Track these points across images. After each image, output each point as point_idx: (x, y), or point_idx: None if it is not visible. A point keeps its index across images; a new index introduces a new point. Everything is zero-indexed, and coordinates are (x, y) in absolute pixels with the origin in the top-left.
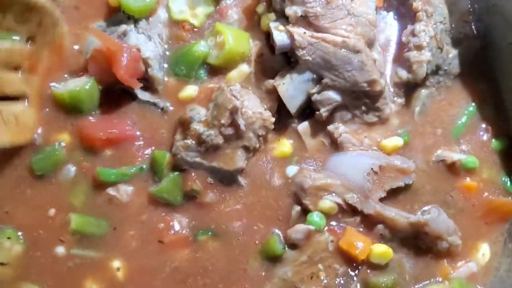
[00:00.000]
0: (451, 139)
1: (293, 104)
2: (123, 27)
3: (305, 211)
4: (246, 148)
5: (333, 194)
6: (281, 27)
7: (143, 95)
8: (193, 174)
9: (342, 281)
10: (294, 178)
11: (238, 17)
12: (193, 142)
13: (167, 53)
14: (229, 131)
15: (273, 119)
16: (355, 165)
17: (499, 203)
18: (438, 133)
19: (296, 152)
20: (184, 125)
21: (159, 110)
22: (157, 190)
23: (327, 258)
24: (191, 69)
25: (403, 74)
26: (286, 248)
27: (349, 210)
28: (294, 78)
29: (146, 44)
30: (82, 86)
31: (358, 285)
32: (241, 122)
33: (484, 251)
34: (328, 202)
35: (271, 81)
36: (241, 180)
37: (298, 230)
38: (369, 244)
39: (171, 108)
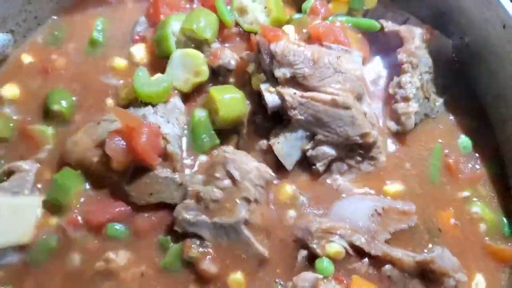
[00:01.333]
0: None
1: (289, 162)
2: (142, 110)
3: (311, 257)
4: (246, 199)
5: (340, 237)
6: (272, 89)
7: (162, 172)
8: (189, 240)
9: None
10: (299, 223)
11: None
12: (192, 201)
13: (185, 138)
14: (226, 183)
15: (269, 169)
16: (359, 208)
17: (497, 249)
18: None
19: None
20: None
21: (179, 185)
22: (163, 263)
23: None
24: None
25: (392, 125)
26: None
27: (355, 255)
28: (288, 137)
29: (165, 125)
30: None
31: None
32: (236, 174)
33: (478, 281)
34: (335, 246)
35: (265, 142)
36: (246, 232)
37: (306, 278)
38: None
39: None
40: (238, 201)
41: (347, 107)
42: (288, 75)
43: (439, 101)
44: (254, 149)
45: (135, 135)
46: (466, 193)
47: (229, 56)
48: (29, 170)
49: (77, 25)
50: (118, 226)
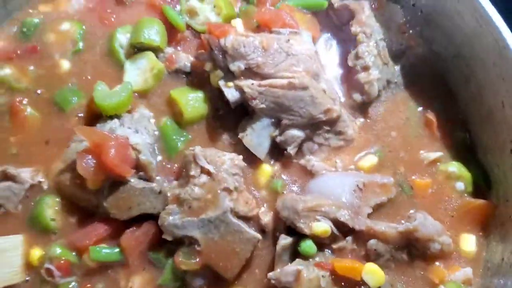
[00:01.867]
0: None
1: (261, 151)
2: (108, 125)
3: (293, 245)
4: (226, 190)
5: (325, 215)
6: (230, 83)
7: (138, 183)
8: (177, 255)
9: None
10: (284, 203)
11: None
12: (174, 205)
13: (156, 145)
14: (203, 179)
15: (241, 157)
16: (340, 184)
17: (477, 205)
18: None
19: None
20: None
21: (157, 193)
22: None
23: None
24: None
25: (357, 96)
26: None
27: (339, 235)
28: (255, 127)
29: (134, 135)
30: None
31: None
32: (210, 167)
33: (469, 241)
34: (322, 224)
35: (232, 136)
36: (235, 220)
37: (288, 272)
38: (361, 265)
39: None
40: (219, 192)
41: (304, 88)
42: (243, 67)
43: (399, 65)
44: (223, 144)
45: (103, 151)
46: (439, 153)
47: (184, 58)
48: (25, 183)
49: None
50: (107, 249)
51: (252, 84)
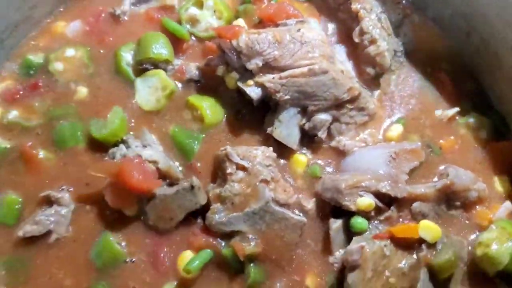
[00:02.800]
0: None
1: (292, 141)
2: (118, 152)
3: (344, 226)
4: (264, 181)
5: (367, 190)
6: (250, 82)
7: (170, 190)
8: (235, 243)
9: (411, 274)
10: (325, 185)
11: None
12: (217, 204)
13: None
14: (240, 175)
15: (271, 148)
16: (374, 158)
17: (503, 146)
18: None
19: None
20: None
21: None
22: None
23: (389, 262)
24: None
25: (371, 70)
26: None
27: (383, 206)
28: (282, 119)
29: (144, 150)
30: None
31: (424, 270)
32: (245, 162)
33: (501, 182)
34: (366, 199)
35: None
36: (278, 208)
37: (353, 251)
38: (417, 224)
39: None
40: (258, 184)
41: (324, 72)
42: (260, 63)
43: (401, 34)
44: (251, 143)
45: (125, 178)
46: (456, 109)
47: (193, 67)
48: (69, 204)
49: None
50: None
51: (273, 78)
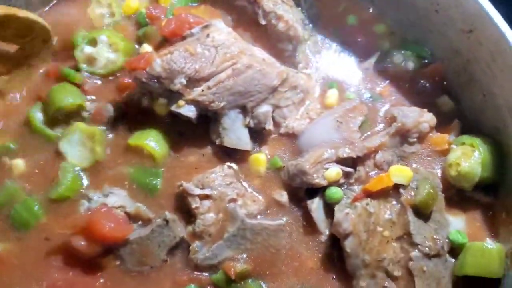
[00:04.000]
0: None
1: (243, 143)
2: (81, 207)
3: (322, 202)
4: (231, 201)
5: (329, 162)
6: (181, 102)
7: (144, 231)
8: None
9: (401, 219)
10: (290, 172)
11: None
12: (196, 242)
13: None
14: (206, 204)
15: (225, 165)
16: (324, 129)
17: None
18: None
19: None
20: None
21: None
22: None
23: (377, 218)
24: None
25: (287, 45)
26: (344, 244)
27: (349, 170)
28: (226, 125)
29: (108, 198)
30: None
31: (410, 212)
32: (206, 191)
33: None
34: (332, 170)
35: (208, 147)
36: (254, 221)
37: (339, 221)
38: (387, 173)
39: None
40: (227, 206)
41: (249, 66)
42: (184, 81)
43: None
44: (205, 160)
45: (94, 231)
46: (377, 53)
47: (110, 108)
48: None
49: None
50: None
51: (202, 90)
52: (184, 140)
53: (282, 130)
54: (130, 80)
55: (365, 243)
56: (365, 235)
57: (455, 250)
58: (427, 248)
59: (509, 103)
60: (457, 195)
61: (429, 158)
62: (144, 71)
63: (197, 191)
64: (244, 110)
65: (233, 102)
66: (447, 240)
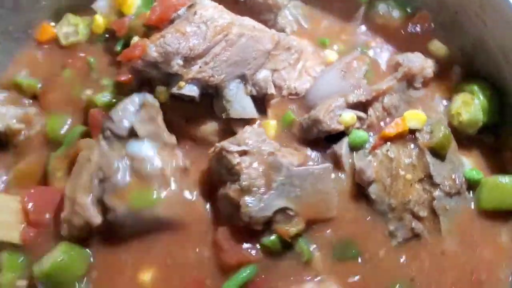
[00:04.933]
0: None
1: (250, 112)
2: None
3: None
4: (271, 154)
5: (341, 109)
6: (182, 83)
7: None
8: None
9: (420, 162)
10: (304, 126)
11: None
12: (245, 197)
13: None
14: (247, 159)
15: (256, 124)
16: (329, 81)
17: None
18: None
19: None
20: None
21: None
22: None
23: (398, 162)
24: None
25: (270, 15)
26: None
27: (361, 114)
28: (229, 97)
29: None
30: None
31: (428, 154)
32: (243, 147)
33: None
34: (346, 115)
35: (214, 123)
36: (302, 168)
37: (364, 169)
38: (402, 118)
39: None
40: (268, 158)
41: (241, 35)
42: (181, 62)
43: None
44: (215, 136)
45: None
46: (362, 8)
47: None
48: None
49: None
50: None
51: (200, 67)
52: (190, 124)
53: (285, 92)
54: (125, 78)
55: (389, 188)
56: (389, 180)
57: (471, 187)
58: (448, 187)
59: (502, 49)
60: (464, 138)
61: (433, 103)
62: (140, 60)
63: (236, 148)
64: (244, 79)
65: (231, 73)
66: (463, 178)
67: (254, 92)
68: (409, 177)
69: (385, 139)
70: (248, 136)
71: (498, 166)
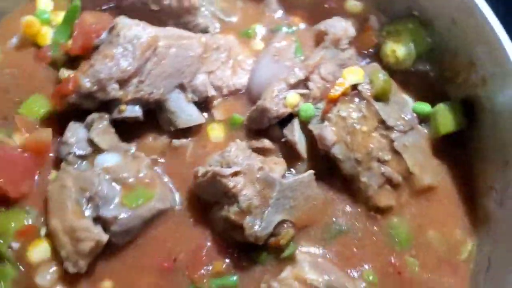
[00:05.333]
0: None
1: (196, 118)
2: None
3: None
4: (261, 169)
5: (284, 92)
6: (123, 107)
7: None
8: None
9: (369, 111)
10: (253, 118)
11: None
12: (246, 218)
13: None
14: (240, 180)
15: (237, 141)
16: (264, 69)
17: None
18: None
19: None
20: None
21: None
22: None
23: (351, 119)
24: None
25: (189, 17)
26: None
27: (304, 91)
28: (173, 108)
29: None
30: None
31: (375, 102)
32: (234, 168)
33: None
34: (290, 96)
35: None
36: (290, 180)
37: (323, 135)
38: (341, 79)
39: None
40: (259, 176)
41: (169, 46)
42: (117, 86)
43: None
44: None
45: None
46: None
47: None
48: None
49: None
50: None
51: (137, 86)
52: (142, 141)
53: (225, 91)
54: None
55: (351, 145)
56: (348, 137)
57: (422, 120)
58: (402, 126)
59: None
60: (400, 75)
61: (362, 58)
62: (74, 94)
63: (228, 171)
64: (182, 88)
65: (169, 85)
66: (413, 114)
67: (196, 98)
68: (364, 129)
69: (333, 101)
70: (235, 154)
71: (437, 91)
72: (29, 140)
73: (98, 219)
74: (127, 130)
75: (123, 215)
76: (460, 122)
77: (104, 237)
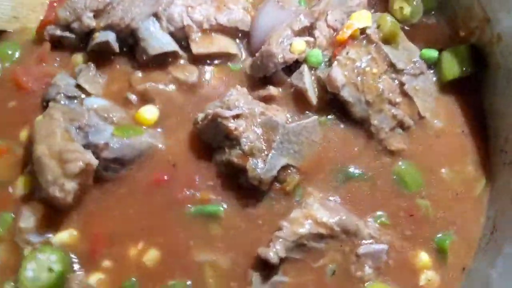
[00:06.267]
0: None
1: (167, 45)
2: None
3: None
4: (262, 113)
5: (290, 38)
6: (96, 34)
7: None
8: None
9: (379, 55)
10: (259, 63)
11: None
12: (249, 160)
13: None
14: (242, 123)
15: (237, 85)
16: (269, 16)
17: None
18: None
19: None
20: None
21: None
22: None
23: (360, 62)
24: None
25: None
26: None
27: (310, 39)
28: (145, 35)
29: None
30: None
31: (384, 46)
32: (235, 111)
33: None
34: (296, 42)
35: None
36: (294, 123)
37: (333, 78)
38: (349, 21)
39: None
40: (263, 119)
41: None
42: (91, 14)
43: None
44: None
45: None
46: None
47: None
48: None
49: None
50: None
51: (109, 13)
52: None
53: (206, 25)
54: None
55: (361, 86)
56: (358, 79)
57: (429, 66)
58: (411, 70)
59: None
60: (407, 27)
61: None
62: (54, 25)
63: (229, 113)
64: (157, 17)
65: (143, 13)
66: (422, 60)
67: (172, 28)
68: (375, 71)
69: (342, 44)
70: (235, 98)
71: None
72: None
73: (88, 147)
74: None
75: (115, 143)
76: (466, 68)
77: (94, 161)
